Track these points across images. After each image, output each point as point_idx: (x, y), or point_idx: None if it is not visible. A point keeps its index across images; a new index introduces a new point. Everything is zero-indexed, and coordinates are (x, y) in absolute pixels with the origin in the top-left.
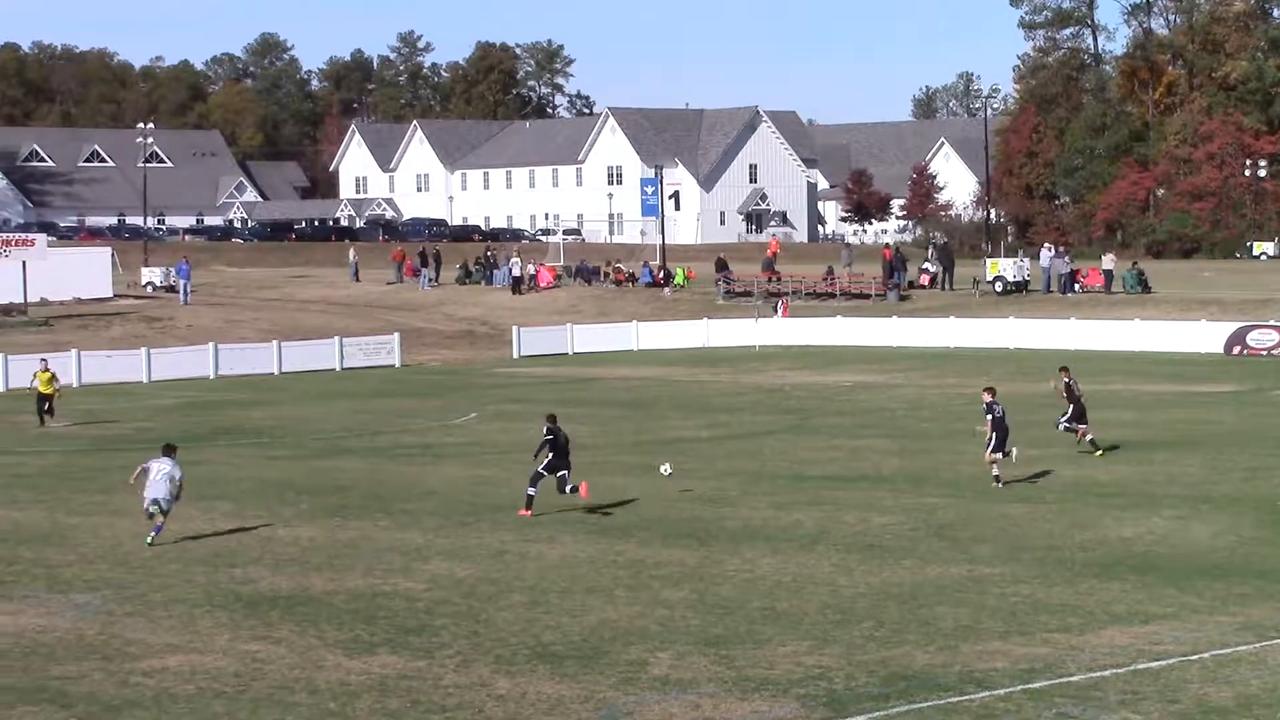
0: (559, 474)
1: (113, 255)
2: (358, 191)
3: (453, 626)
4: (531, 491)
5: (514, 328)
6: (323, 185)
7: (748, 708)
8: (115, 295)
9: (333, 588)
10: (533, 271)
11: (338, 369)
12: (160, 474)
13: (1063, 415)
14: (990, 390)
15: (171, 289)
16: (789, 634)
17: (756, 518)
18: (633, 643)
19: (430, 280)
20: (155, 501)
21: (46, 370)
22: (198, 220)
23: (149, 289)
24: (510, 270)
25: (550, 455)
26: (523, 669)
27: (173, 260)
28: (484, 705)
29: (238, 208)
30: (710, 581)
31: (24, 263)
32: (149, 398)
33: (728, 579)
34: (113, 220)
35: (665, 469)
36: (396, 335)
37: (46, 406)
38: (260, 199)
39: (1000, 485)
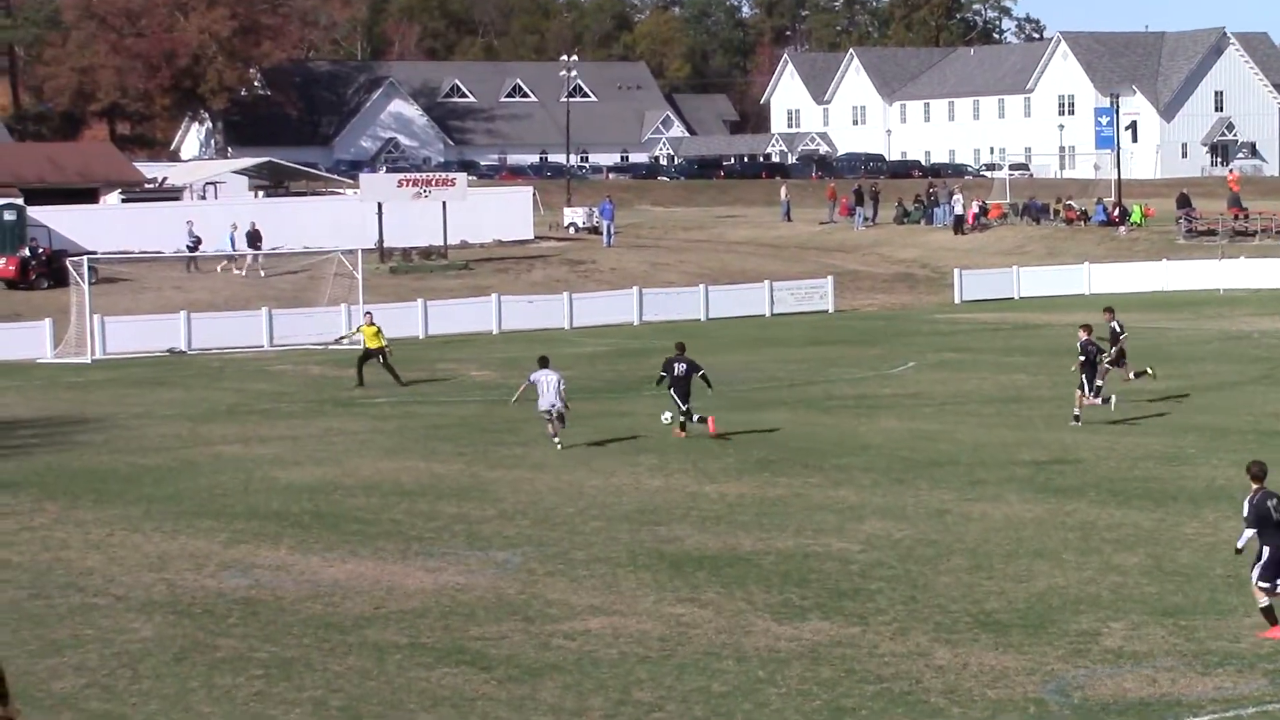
0: (684, 410)
1: (534, 195)
2: (790, 125)
3: (889, 591)
4: (681, 410)
5: (955, 270)
6: (753, 119)
7: (1210, 684)
8: (536, 237)
9: (761, 548)
10: (976, 209)
11: (767, 314)
12: (549, 385)
13: (1107, 365)
14: (1086, 328)
15: (595, 230)
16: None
17: (1219, 477)
18: (1082, 611)
19: (866, 220)
20: (553, 406)
21: (372, 324)
22: (622, 157)
23: (571, 230)
24: (952, 208)
25: (671, 390)
26: (963, 638)
27: (596, 200)
28: (922, 676)
29: (664, 144)
30: (1167, 546)
31: (444, 203)
32: (571, 344)
33: (1186, 543)
34: (534, 158)
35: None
36: (830, 279)
37: (382, 361)
38: (687, 134)
39: (1077, 423)
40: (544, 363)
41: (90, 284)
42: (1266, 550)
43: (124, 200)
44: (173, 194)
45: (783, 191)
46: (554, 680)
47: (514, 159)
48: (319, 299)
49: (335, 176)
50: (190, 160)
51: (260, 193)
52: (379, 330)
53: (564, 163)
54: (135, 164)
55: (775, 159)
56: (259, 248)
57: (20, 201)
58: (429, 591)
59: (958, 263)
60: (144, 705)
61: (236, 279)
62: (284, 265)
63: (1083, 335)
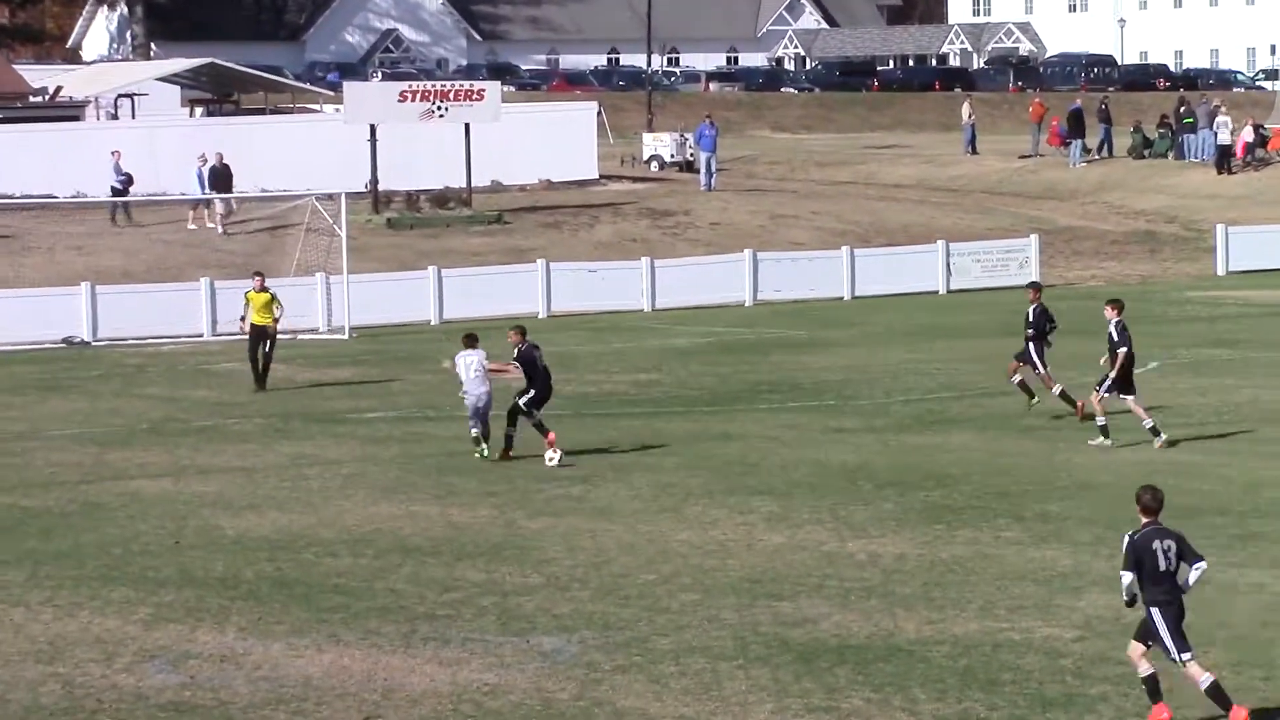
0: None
1: (599, 114)
2: (975, 13)
3: (1117, 699)
4: (509, 431)
5: (1218, 227)
6: (921, 5)
7: None
8: (602, 176)
9: (931, 634)
10: (1250, 138)
11: (941, 291)
12: (467, 368)
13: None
14: (1115, 304)
15: (688, 166)
16: None
17: None
18: None
19: (1087, 152)
20: (479, 401)
21: (264, 289)
22: (729, 60)
23: (653, 166)
24: (1214, 136)
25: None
26: None
27: (691, 122)
28: None
29: (790, 40)
30: None
31: (467, 127)
32: (652, 334)
33: None
34: (600, 60)
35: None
36: (1033, 239)
37: (266, 347)
38: (825, 26)
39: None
40: (471, 342)
41: None
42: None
43: (1, 120)
44: (71, 111)
45: (965, 111)
46: None
47: (570, 61)
48: (284, 265)
49: (308, 86)
50: (96, 62)
51: (199, 110)
52: (272, 298)
53: (644, 67)
54: (16, 67)
55: (954, 62)
56: (228, 190)
57: None
58: (444, 695)
59: (1221, 215)
60: None
61: (212, 236)
62: (232, 216)
63: (1109, 313)
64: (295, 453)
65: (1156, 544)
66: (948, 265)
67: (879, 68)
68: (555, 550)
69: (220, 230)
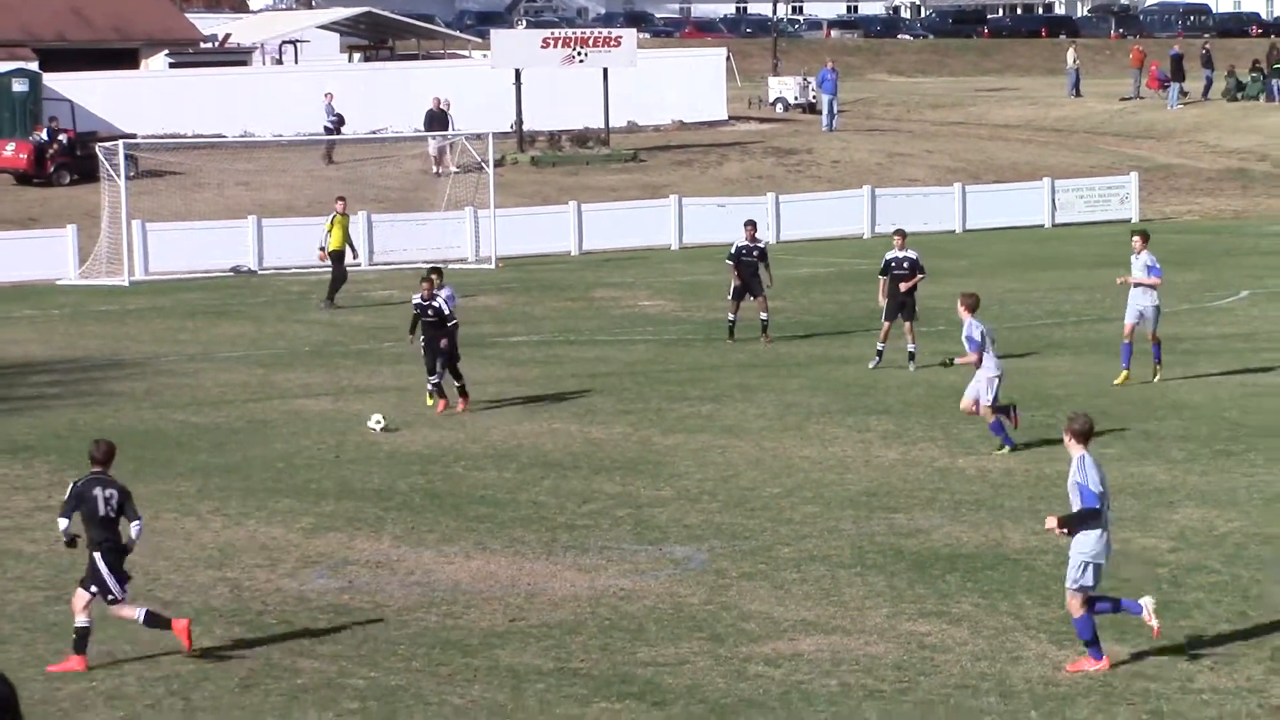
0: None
1: (728, 60)
2: None
3: (1210, 605)
4: (434, 380)
5: None
6: None
7: None
8: (731, 118)
9: (1036, 544)
10: None
11: (1047, 224)
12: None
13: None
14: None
15: (811, 108)
16: None
17: None
18: None
19: (1184, 95)
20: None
21: (345, 213)
22: (849, 9)
23: (778, 108)
24: None
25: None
26: None
27: (813, 67)
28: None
29: None
30: None
31: (605, 71)
32: (777, 265)
33: None
34: (728, 9)
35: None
36: (1133, 175)
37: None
38: None
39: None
40: (437, 273)
41: (128, 178)
42: None
43: (173, 65)
44: (239, 56)
45: (1070, 55)
46: None
47: (701, 10)
48: (435, 201)
49: (457, 33)
50: (262, 11)
51: (356, 55)
52: (347, 219)
53: (769, 15)
54: (189, 16)
55: (1059, 10)
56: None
57: (34, 67)
58: (583, 599)
59: None
60: None
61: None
62: (387, 154)
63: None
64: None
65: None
66: (1053, 200)
67: (989, 15)
68: (686, 465)
69: (436, 171)
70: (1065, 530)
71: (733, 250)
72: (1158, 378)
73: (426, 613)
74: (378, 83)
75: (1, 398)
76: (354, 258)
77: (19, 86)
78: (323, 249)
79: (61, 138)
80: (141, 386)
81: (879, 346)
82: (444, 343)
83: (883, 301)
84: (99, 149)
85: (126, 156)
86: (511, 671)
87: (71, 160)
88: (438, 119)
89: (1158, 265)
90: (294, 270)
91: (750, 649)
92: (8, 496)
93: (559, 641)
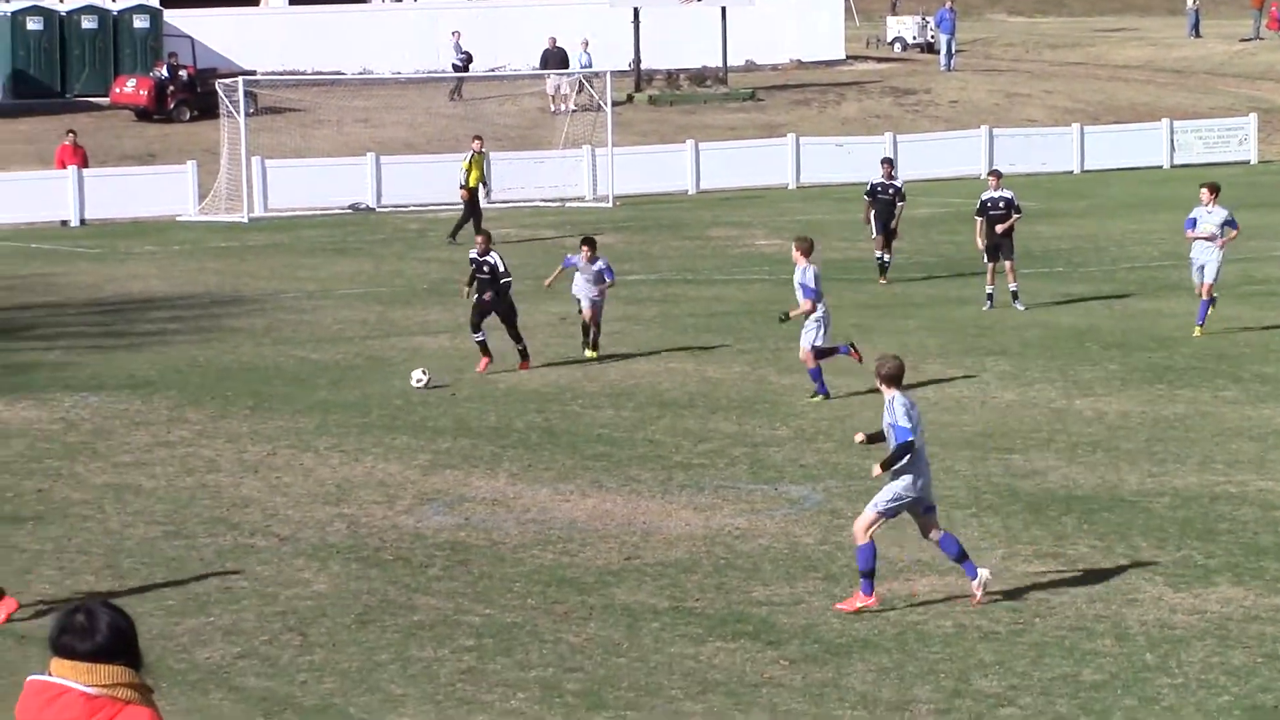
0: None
1: None
2: None
3: None
4: (479, 337)
5: None
6: None
7: None
8: (848, 57)
9: (1153, 486)
10: None
11: (1165, 165)
12: (589, 273)
13: None
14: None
15: (930, 47)
16: None
17: None
18: None
19: None
20: (592, 301)
21: (482, 151)
22: None
23: (896, 48)
24: None
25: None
26: None
27: (931, 6)
28: None
29: None
30: None
31: (723, 10)
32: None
33: None
34: None
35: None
36: (1252, 117)
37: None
38: None
39: None
40: (591, 245)
41: (248, 115)
42: None
43: (293, 2)
44: None
45: None
46: (866, 662)
47: None
48: (554, 139)
49: None
50: None
51: None
52: (485, 157)
53: None
54: None
55: None
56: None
57: (155, 4)
58: (698, 538)
59: None
60: (315, 684)
61: (487, 109)
62: (500, 91)
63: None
64: (562, 312)
65: None
66: (1171, 142)
67: None
68: (802, 405)
69: (554, 109)
70: (885, 470)
71: (868, 186)
72: (1198, 334)
73: (542, 550)
74: (497, 21)
75: (122, 333)
76: (486, 196)
77: (140, 23)
78: (463, 187)
79: (182, 74)
80: (261, 323)
81: (988, 290)
82: (488, 296)
83: (981, 243)
84: (219, 85)
85: (246, 93)
86: (626, 610)
87: (191, 97)
88: (555, 57)
89: (1233, 219)
90: (412, 208)
91: None
92: (129, 431)
93: (674, 580)
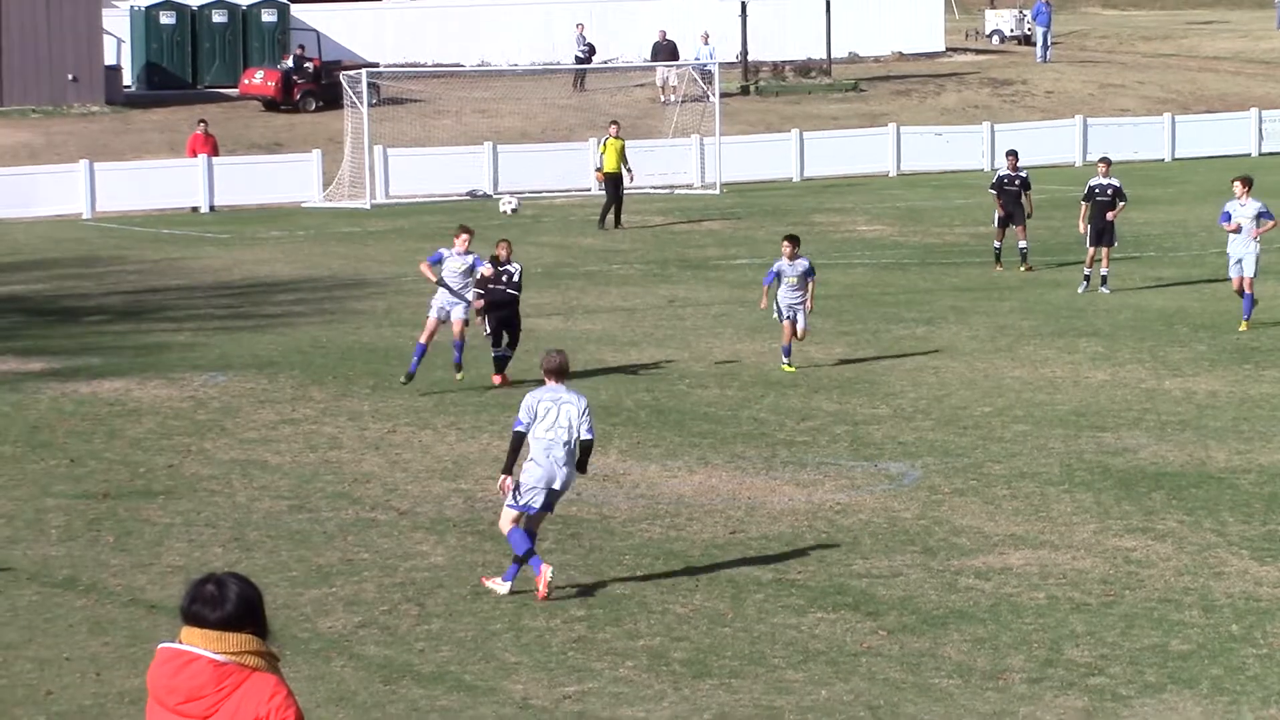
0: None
1: None
2: None
3: None
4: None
5: None
6: None
7: None
8: (948, 49)
9: (1240, 464)
10: None
11: (1253, 154)
12: (795, 274)
13: None
14: (791, 241)
15: (1027, 39)
16: None
17: None
18: None
19: None
20: (792, 310)
21: (619, 136)
22: None
23: (995, 39)
24: None
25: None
26: None
27: (1028, 0)
28: None
29: None
30: None
31: (828, 2)
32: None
33: None
34: None
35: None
36: None
37: (619, 193)
38: None
39: None
40: (794, 242)
41: (371, 105)
42: None
43: None
44: None
45: None
46: (961, 632)
47: None
48: (663, 128)
49: None
50: None
51: None
52: (624, 148)
53: None
54: None
55: None
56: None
57: None
58: (800, 513)
59: None
60: (433, 652)
61: (601, 100)
62: (613, 83)
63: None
64: (669, 294)
65: None
66: (1260, 130)
67: None
68: (901, 384)
69: (664, 99)
70: (506, 471)
71: (995, 180)
72: (1243, 329)
73: (650, 524)
74: (610, 14)
75: (249, 315)
76: (630, 179)
77: (268, 17)
78: (599, 169)
79: (308, 66)
80: (381, 305)
81: (1085, 272)
82: (479, 304)
83: (1083, 227)
84: (343, 77)
85: (369, 84)
86: (731, 581)
87: (317, 88)
88: (665, 50)
89: (1268, 210)
90: (528, 194)
91: (961, 562)
92: (255, 409)
93: (777, 553)
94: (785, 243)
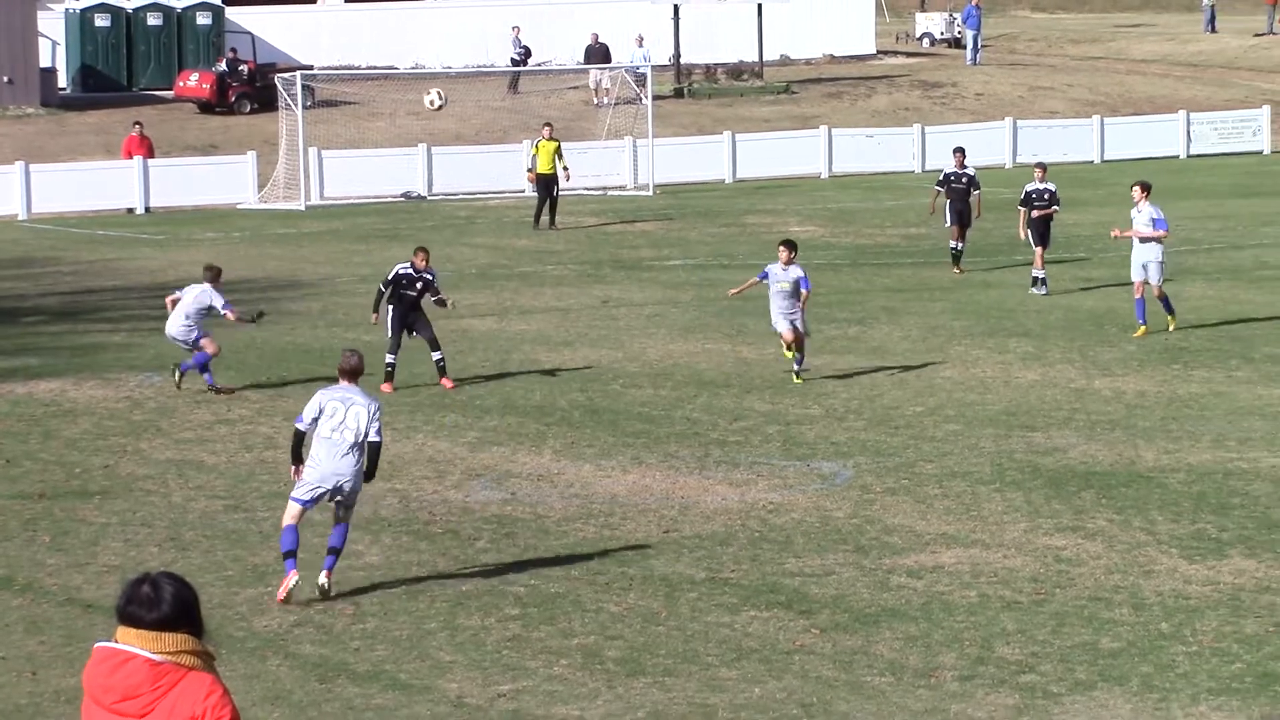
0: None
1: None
2: None
3: None
4: (390, 359)
5: None
6: None
7: None
8: (879, 52)
9: (1168, 463)
10: None
11: (1181, 155)
12: (785, 280)
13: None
14: (787, 246)
15: (957, 43)
16: None
17: None
18: None
19: None
20: (791, 318)
21: (553, 138)
22: None
23: (925, 42)
24: None
25: (393, 310)
26: None
27: (958, 3)
28: None
29: None
30: None
31: (760, 6)
32: (922, 193)
33: None
34: None
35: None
36: (1265, 109)
37: (554, 193)
38: None
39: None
40: (790, 247)
41: (306, 108)
42: None
43: (349, 0)
44: None
45: None
46: (893, 630)
47: None
48: (596, 130)
49: None
50: None
51: None
52: (559, 148)
53: None
54: None
55: None
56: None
57: (218, 1)
58: (733, 512)
59: None
60: (368, 650)
61: (535, 102)
62: (546, 85)
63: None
64: (604, 295)
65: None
66: (1187, 133)
67: None
68: (833, 384)
69: (596, 102)
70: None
71: (941, 176)
72: (1173, 327)
73: (585, 524)
74: (543, 17)
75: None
76: (567, 179)
77: (203, 20)
78: (531, 171)
79: (242, 69)
80: (317, 306)
81: (1036, 274)
82: (413, 312)
83: (1023, 233)
84: (278, 79)
85: (304, 87)
86: (665, 580)
87: (252, 90)
88: (598, 52)
89: (1163, 218)
90: (462, 196)
91: (893, 561)
92: (190, 409)
93: (710, 553)
94: (781, 248)
